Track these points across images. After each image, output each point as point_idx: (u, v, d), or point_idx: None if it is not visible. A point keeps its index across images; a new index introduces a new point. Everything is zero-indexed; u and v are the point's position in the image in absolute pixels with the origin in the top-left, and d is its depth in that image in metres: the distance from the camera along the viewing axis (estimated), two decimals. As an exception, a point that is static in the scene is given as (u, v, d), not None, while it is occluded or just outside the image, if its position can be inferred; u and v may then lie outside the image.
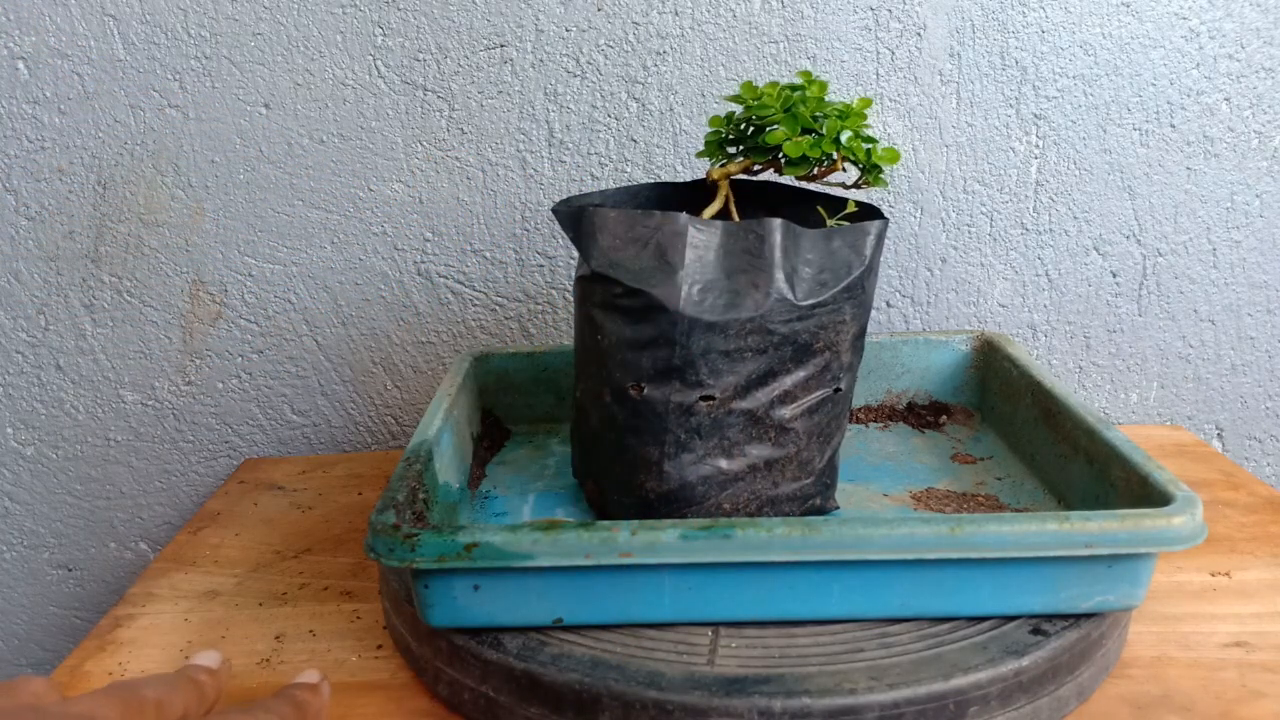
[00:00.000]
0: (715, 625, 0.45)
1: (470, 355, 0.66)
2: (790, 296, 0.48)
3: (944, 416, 0.67)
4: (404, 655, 0.49)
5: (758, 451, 0.50)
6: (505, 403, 0.68)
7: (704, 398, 0.48)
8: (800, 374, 0.49)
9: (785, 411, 0.49)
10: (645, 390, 0.48)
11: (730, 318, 0.47)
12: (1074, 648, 0.43)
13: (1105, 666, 0.45)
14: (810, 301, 0.48)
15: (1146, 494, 0.45)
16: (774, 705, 0.40)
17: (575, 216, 0.50)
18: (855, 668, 0.41)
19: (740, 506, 0.50)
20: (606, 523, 0.42)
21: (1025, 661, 0.41)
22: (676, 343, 0.47)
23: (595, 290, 0.49)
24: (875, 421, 0.67)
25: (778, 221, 0.48)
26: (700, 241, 0.47)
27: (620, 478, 0.51)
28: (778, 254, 0.48)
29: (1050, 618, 0.44)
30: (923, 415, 0.67)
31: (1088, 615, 0.44)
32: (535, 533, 0.42)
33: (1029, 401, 0.59)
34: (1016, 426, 0.61)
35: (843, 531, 0.42)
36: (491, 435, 0.66)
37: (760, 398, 0.49)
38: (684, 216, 0.47)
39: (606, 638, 0.44)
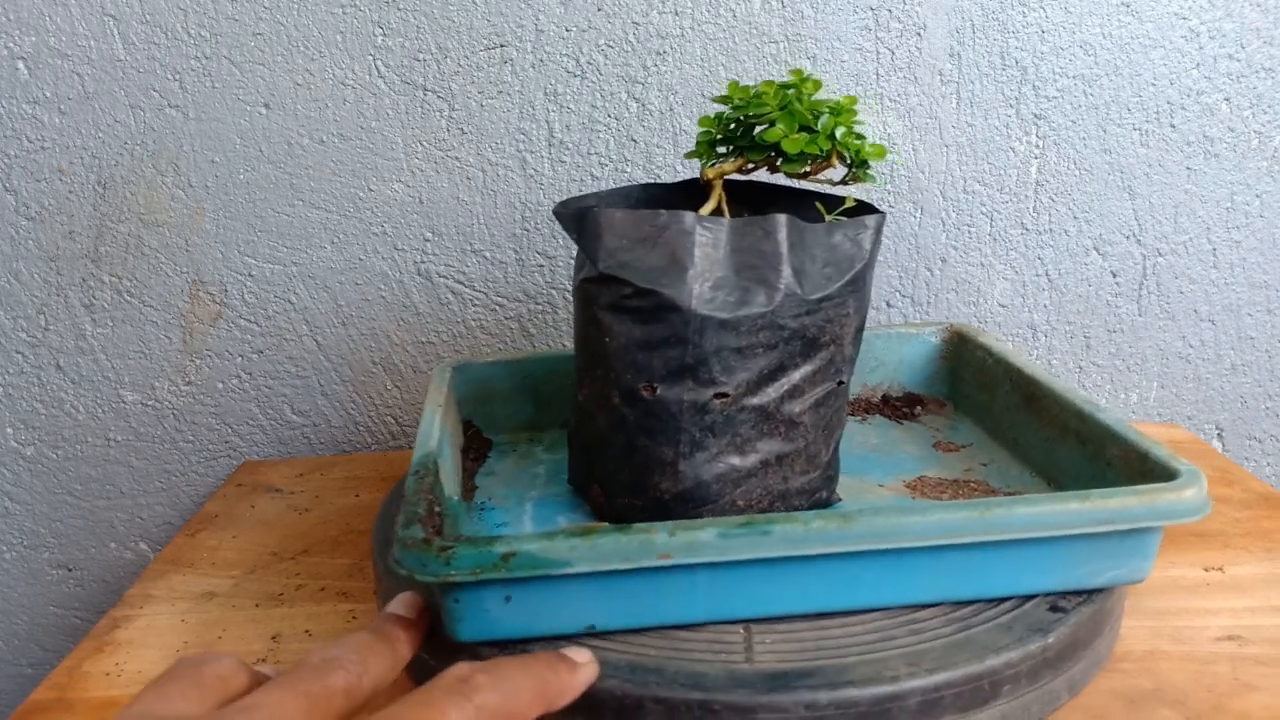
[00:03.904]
0: (746, 622, 0.45)
1: (450, 365, 0.64)
2: (799, 291, 0.48)
3: (918, 407, 0.68)
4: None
5: (769, 447, 0.50)
6: (485, 412, 0.66)
7: (718, 395, 0.48)
8: (807, 368, 0.49)
9: (794, 406, 0.49)
10: (658, 390, 0.48)
11: (742, 314, 0.47)
12: (1090, 622, 0.44)
13: (1097, 660, 0.45)
14: (818, 295, 0.48)
15: (1147, 470, 0.46)
16: (819, 698, 0.40)
17: (579, 218, 0.49)
18: (892, 655, 0.42)
19: (753, 502, 0.50)
20: (643, 525, 0.42)
21: (1051, 639, 0.42)
22: (689, 341, 0.47)
23: (602, 292, 0.49)
24: (854, 415, 0.68)
25: (783, 217, 0.48)
26: (708, 240, 0.47)
27: (631, 480, 0.51)
28: (785, 249, 0.48)
29: (1065, 595, 0.45)
30: (898, 407, 0.68)
31: (1099, 590, 0.45)
32: (572, 539, 0.41)
33: (1008, 388, 0.60)
34: (995, 413, 0.62)
35: (878, 521, 0.42)
36: (474, 446, 0.64)
37: (770, 393, 0.49)
38: (691, 215, 0.47)
39: (639, 642, 0.43)
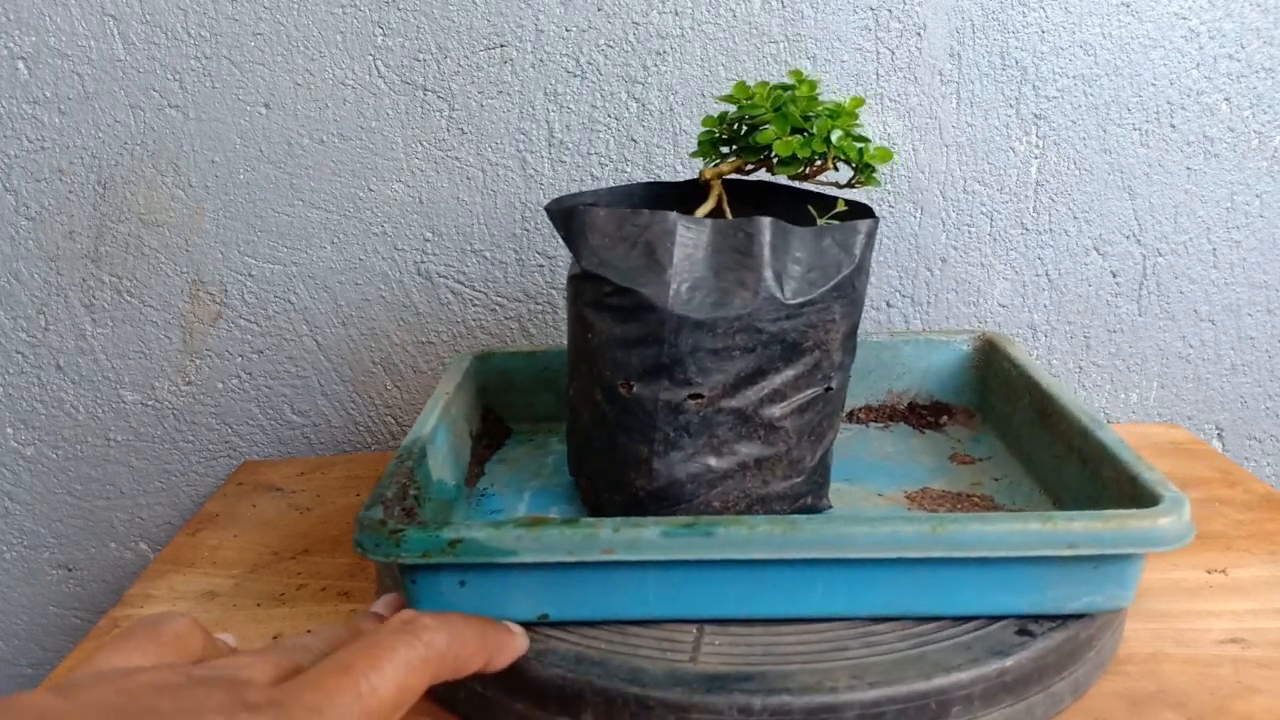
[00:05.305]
0: (700, 622, 0.45)
1: (471, 355, 0.66)
2: (779, 295, 0.48)
3: (945, 417, 0.66)
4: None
5: (747, 450, 0.49)
6: (506, 401, 0.68)
7: (692, 396, 0.48)
8: (790, 373, 0.49)
9: (775, 410, 0.49)
10: (634, 388, 0.49)
11: (718, 316, 0.47)
12: (1061, 648, 0.43)
13: (1100, 663, 0.45)
14: (799, 300, 0.48)
15: (1136, 494, 0.45)
16: (754, 702, 0.40)
17: (566, 216, 0.50)
18: (837, 666, 0.41)
19: (730, 504, 0.50)
20: (589, 520, 0.42)
21: (1009, 662, 0.41)
22: (665, 341, 0.47)
23: (585, 289, 0.50)
24: (876, 421, 0.67)
25: (767, 220, 0.48)
26: (689, 240, 0.48)
27: (611, 475, 0.51)
28: (767, 252, 0.48)
29: (1037, 618, 0.44)
30: (924, 415, 0.67)
31: (1076, 616, 0.44)
32: (519, 529, 0.42)
33: (1027, 402, 0.59)
34: (1015, 427, 0.61)
35: (825, 530, 0.42)
36: (492, 434, 0.66)
37: (749, 396, 0.49)
38: (673, 215, 0.48)
39: (591, 634, 0.44)
